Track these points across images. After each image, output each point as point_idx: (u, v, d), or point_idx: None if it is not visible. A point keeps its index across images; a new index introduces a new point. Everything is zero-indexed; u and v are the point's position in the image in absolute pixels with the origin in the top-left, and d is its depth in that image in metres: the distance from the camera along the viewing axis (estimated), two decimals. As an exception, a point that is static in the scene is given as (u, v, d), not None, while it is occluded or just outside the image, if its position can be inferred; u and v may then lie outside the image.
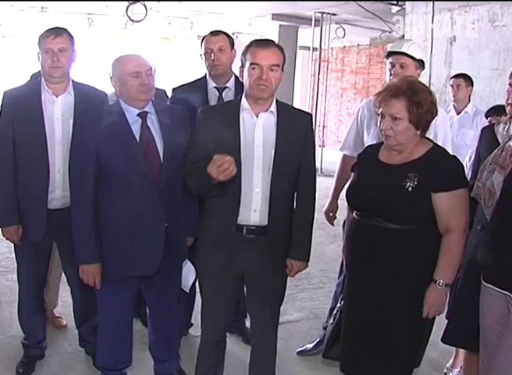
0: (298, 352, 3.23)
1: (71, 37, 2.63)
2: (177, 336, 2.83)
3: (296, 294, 4.16)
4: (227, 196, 2.22)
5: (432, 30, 7.06)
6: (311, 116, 2.45)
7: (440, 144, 2.40)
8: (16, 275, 2.92)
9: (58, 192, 2.65)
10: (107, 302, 2.51)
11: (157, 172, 2.35)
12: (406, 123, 2.08)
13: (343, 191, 2.55)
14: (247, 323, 2.88)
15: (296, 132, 2.26)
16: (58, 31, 2.58)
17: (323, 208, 3.14)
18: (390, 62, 2.86)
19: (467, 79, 4.67)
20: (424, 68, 2.91)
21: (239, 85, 2.81)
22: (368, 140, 2.89)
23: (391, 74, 2.84)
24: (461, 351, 2.80)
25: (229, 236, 2.25)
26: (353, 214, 2.28)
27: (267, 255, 2.28)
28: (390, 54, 2.87)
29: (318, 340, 3.20)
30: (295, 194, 2.36)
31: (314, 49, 10.61)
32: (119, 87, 2.34)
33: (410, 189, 2.06)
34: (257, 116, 2.23)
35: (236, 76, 2.95)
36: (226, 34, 2.97)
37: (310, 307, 3.97)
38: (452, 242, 2.08)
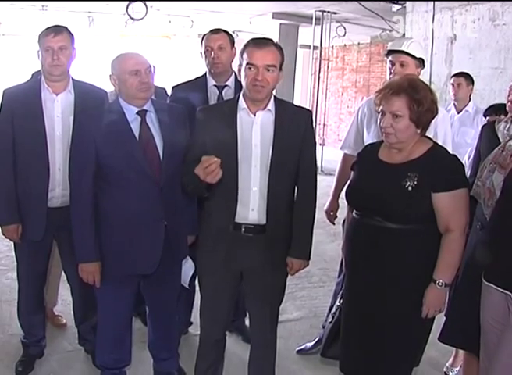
0: (297, 351, 3.24)
1: (71, 35, 2.63)
2: (177, 335, 2.84)
3: (296, 292, 4.16)
4: (225, 195, 2.21)
5: (433, 28, 7.06)
6: (311, 112, 2.43)
7: (440, 143, 2.40)
8: (15, 273, 2.92)
9: (58, 191, 2.65)
10: (106, 301, 2.50)
11: (156, 170, 2.34)
12: (406, 121, 2.07)
13: (344, 190, 2.54)
14: (247, 322, 2.88)
15: (295, 129, 2.25)
16: (58, 29, 2.57)
17: (324, 206, 3.14)
18: (390, 61, 2.85)
19: (467, 78, 4.67)
20: (424, 66, 2.90)
21: (239, 83, 2.78)
22: (368, 138, 2.88)
23: (391, 73, 2.83)
24: (461, 351, 2.80)
25: (227, 234, 2.24)
26: (353, 213, 2.27)
27: (266, 253, 2.27)
28: (390, 52, 2.87)
29: (317, 339, 3.19)
30: (295, 192, 2.34)
31: (315, 48, 10.59)
32: (119, 86, 2.33)
33: (409, 189, 2.05)
34: (254, 115, 2.22)
35: (236, 75, 2.94)
36: (227, 32, 2.97)
37: (309, 306, 3.97)
38: (452, 242, 2.07)
